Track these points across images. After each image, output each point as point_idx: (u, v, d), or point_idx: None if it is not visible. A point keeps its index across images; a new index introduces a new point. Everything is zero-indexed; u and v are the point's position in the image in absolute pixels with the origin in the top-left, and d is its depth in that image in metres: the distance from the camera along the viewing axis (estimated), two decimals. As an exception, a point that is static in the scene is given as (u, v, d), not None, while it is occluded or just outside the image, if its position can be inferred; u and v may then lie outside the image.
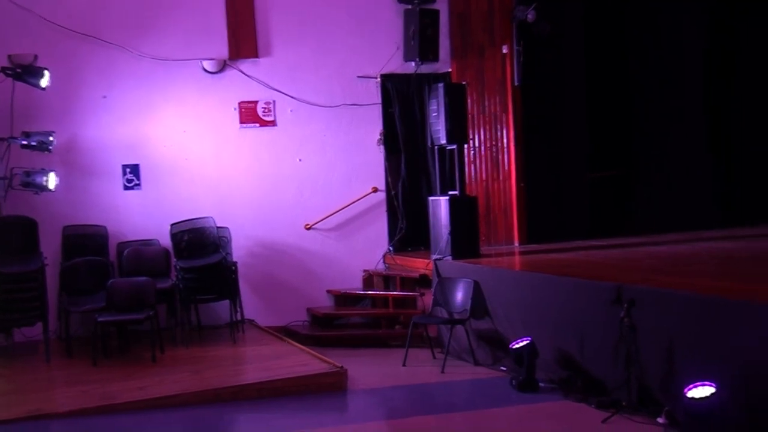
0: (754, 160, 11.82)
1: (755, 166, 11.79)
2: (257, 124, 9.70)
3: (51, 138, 8.45)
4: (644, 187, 10.87)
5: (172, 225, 8.96)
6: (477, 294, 7.66)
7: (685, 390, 5.14)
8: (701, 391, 5.09)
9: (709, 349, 5.34)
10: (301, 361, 7.44)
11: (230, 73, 9.59)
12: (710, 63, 11.27)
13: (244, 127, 9.66)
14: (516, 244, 9.62)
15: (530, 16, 9.29)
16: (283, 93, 9.69)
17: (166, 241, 9.01)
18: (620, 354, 5.88)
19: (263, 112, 9.70)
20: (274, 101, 9.70)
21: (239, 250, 9.37)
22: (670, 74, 10.97)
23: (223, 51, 9.48)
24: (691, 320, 5.50)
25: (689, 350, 5.49)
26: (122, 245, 9.07)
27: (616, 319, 5.87)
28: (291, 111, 9.74)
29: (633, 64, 10.93)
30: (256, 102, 9.68)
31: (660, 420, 5.54)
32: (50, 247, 8.63)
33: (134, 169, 9.35)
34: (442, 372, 7.47)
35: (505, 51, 9.59)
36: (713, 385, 5.07)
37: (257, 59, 9.62)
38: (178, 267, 8.67)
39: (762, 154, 11.81)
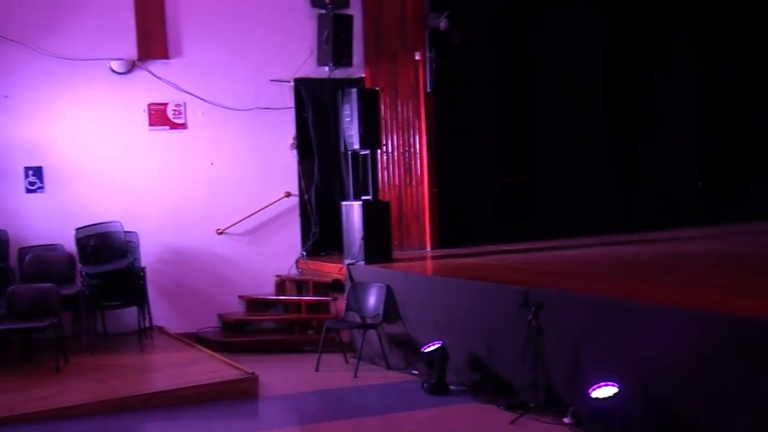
0: (654, 166, 12.32)
1: (656, 172, 12.29)
2: (167, 127, 9.52)
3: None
4: (550, 193, 11.18)
5: (77, 229, 8.69)
6: (389, 298, 7.71)
7: (589, 390, 5.30)
8: (604, 391, 5.25)
9: (611, 350, 5.52)
10: (212, 368, 7.32)
11: (139, 74, 9.37)
12: (612, 70, 11.71)
13: (154, 130, 9.47)
14: (428, 248, 9.72)
15: (442, 23, 9.43)
16: (194, 95, 9.53)
17: (70, 246, 8.74)
18: (528, 356, 6.02)
19: (174, 114, 9.53)
20: (184, 103, 9.54)
21: (148, 255, 9.16)
22: (574, 82, 11.32)
23: (131, 51, 9.26)
24: (594, 322, 5.68)
25: (593, 351, 5.66)
26: (24, 250, 8.75)
27: (524, 322, 6.00)
28: (203, 114, 9.59)
29: (539, 72, 11.23)
30: (166, 104, 9.49)
31: (566, 420, 5.70)
32: (-54, 252, 8.27)
33: (37, 172, 9.04)
34: (355, 376, 7.48)
35: (418, 57, 9.70)
36: (616, 385, 5.24)
37: (167, 60, 9.44)
38: (83, 273, 8.43)
39: (662, 159, 12.32)
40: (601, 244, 9.56)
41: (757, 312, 4.95)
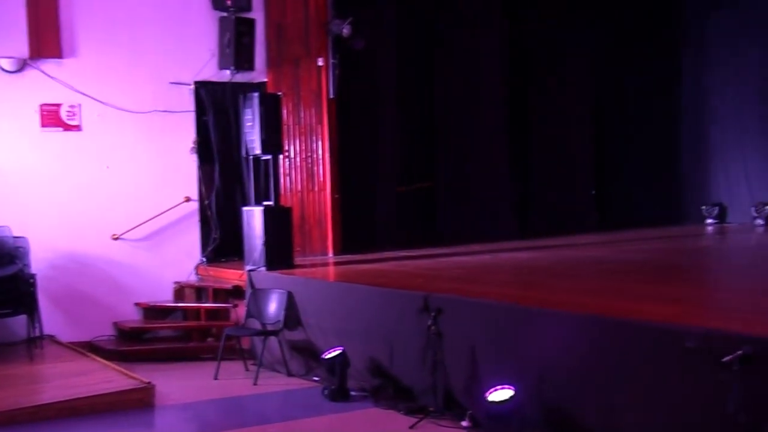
0: (550, 174, 12.75)
1: (551, 180, 12.73)
2: (61, 128, 9.20)
3: None
4: (449, 200, 11.41)
5: (-39, 235, 8.31)
6: (291, 305, 7.68)
7: (486, 393, 5.41)
8: (501, 394, 5.37)
9: (508, 354, 5.65)
10: (106, 378, 7.11)
11: (31, 73, 9.02)
12: (510, 81, 12.07)
13: (46, 131, 9.13)
14: (330, 254, 9.73)
15: (345, 30, 9.47)
16: (90, 96, 9.25)
17: (-46, 252, 8.34)
18: (428, 361, 6.10)
19: (67, 115, 9.22)
20: (79, 104, 9.24)
21: (39, 261, 8.81)
22: (474, 92, 11.60)
23: (22, 49, 8.91)
24: (491, 327, 5.80)
25: (490, 355, 5.78)
26: None
27: (424, 327, 6.08)
28: (98, 115, 9.31)
29: (440, 81, 11.45)
30: (59, 105, 9.18)
31: (464, 423, 5.79)
32: None
33: None
34: (255, 384, 7.41)
35: (321, 63, 9.71)
36: (512, 387, 5.38)
37: (61, 60, 9.13)
38: (-32, 280, 8.06)
39: (556, 168, 12.77)
40: (499, 250, 9.79)
41: (640, 315, 5.18)
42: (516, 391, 5.36)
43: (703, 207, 12.97)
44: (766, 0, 11.99)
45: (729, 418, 4.25)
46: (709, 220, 12.83)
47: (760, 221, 12.24)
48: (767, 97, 12.25)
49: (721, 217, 12.85)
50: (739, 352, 4.27)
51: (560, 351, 5.30)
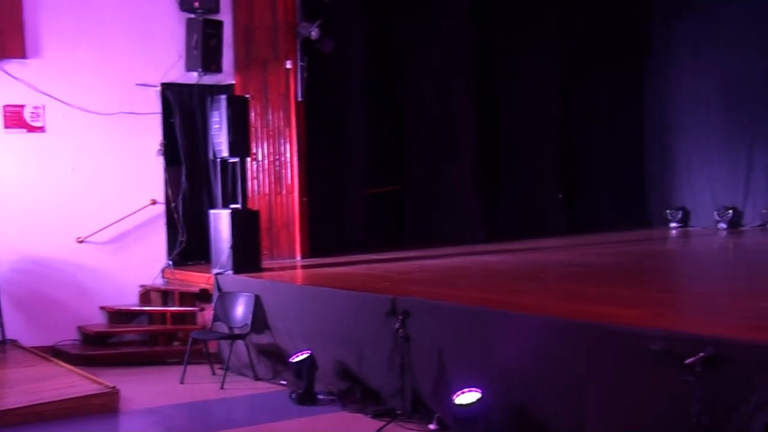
0: (517, 178, 12.86)
1: (518, 184, 12.83)
2: (24, 130, 9.06)
3: None
4: (418, 203, 11.44)
5: None
6: (258, 308, 7.64)
7: (453, 396, 5.43)
8: (467, 396, 5.39)
9: (475, 357, 5.68)
10: (69, 383, 7.00)
11: (-7, 74, 8.91)
12: (480, 84, 12.16)
13: (10, 133, 8.99)
14: (298, 257, 9.70)
15: (314, 33, 9.47)
16: (54, 98, 9.12)
17: None
18: (395, 364, 6.11)
19: (31, 116, 9.08)
20: (43, 106, 9.11)
21: (2, 265, 8.67)
22: (443, 95, 11.66)
23: (-16, 49, 8.79)
24: (458, 330, 5.83)
25: (457, 358, 5.80)
26: None
27: (391, 330, 6.09)
28: (63, 117, 9.19)
29: (407, 84, 11.50)
30: (23, 106, 9.04)
31: (431, 426, 5.81)
32: None
33: None
34: (222, 388, 7.35)
35: (289, 66, 9.68)
36: (479, 390, 5.40)
37: (25, 60, 8.99)
38: (-73, 284, 7.90)
39: (524, 172, 12.88)
40: (467, 253, 9.83)
41: (605, 318, 5.25)
42: (483, 393, 5.38)
43: (667, 211, 13.17)
44: (727, 10, 12.27)
45: (692, 420, 4.31)
46: (673, 224, 13.03)
47: (722, 225, 12.45)
48: (729, 103, 12.50)
49: (684, 221, 13.05)
50: (702, 354, 4.34)
51: (526, 354, 5.34)
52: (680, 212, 13.07)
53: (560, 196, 13.46)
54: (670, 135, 13.27)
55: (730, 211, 12.48)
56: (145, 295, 9.48)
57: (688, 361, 4.35)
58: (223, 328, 7.91)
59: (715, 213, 12.64)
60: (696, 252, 10.55)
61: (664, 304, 6.23)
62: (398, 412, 6.06)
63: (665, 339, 4.58)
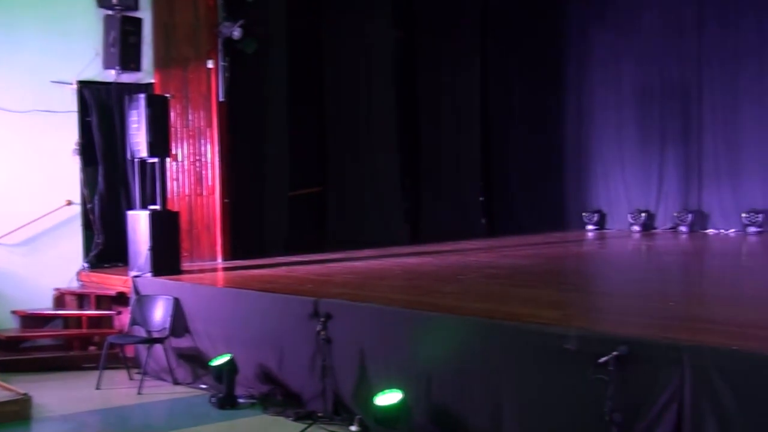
0: (439, 181, 13.01)
1: (440, 186, 12.98)
2: (-70, 127, 8.71)
3: None
4: (341, 205, 11.45)
5: None
6: (177, 311, 7.52)
7: (375, 398, 5.46)
8: (389, 397, 5.44)
9: (396, 358, 5.73)
10: (-21, 390, 6.77)
11: None
12: (401, 87, 12.28)
13: None
14: (219, 260, 9.58)
15: (236, 33, 9.39)
16: (-37, 94, 8.80)
17: None
18: (317, 366, 6.11)
19: (-62, 113, 8.74)
20: (-49, 102, 8.79)
21: None
22: (365, 99, 11.71)
23: None
24: (380, 331, 5.87)
25: (379, 360, 5.85)
26: None
27: (313, 333, 6.08)
28: (-28, 114, 8.87)
29: (330, 86, 11.50)
30: (-71, 102, 8.69)
31: (352, 428, 5.84)
32: None
33: None
34: (140, 393, 7.21)
35: (210, 65, 9.56)
36: (400, 391, 5.45)
37: (-69, 54, 8.66)
38: None
39: (446, 175, 13.04)
40: (389, 255, 9.89)
41: (522, 318, 5.37)
42: (404, 394, 5.43)
43: (584, 214, 13.54)
44: (641, 19, 12.73)
45: (605, 417, 4.45)
46: (590, 227, 13.39)
47: (636, 228, 12.87)
48: (643, 108, 12.97)
49: (600, 224, 13.44)
50: (615, 353, 4.48)
51: (447, 354, 5.41)
52: (596, 215, 13.45)
53: (481, 199, 13.68)
54: (587, 139, 13.65)
55: (644, 214, 12.92)
56: (60, 298, 9.21)
57: (601, 360, 4.49)
58: (141, 332, 7.75)
59: (629, 216, 13.06)
60: (610, 254, 10.87)
61: (579, 305, 6.42)
62: (320, 414, 6.07)
63: (579, 338, 4.72)
